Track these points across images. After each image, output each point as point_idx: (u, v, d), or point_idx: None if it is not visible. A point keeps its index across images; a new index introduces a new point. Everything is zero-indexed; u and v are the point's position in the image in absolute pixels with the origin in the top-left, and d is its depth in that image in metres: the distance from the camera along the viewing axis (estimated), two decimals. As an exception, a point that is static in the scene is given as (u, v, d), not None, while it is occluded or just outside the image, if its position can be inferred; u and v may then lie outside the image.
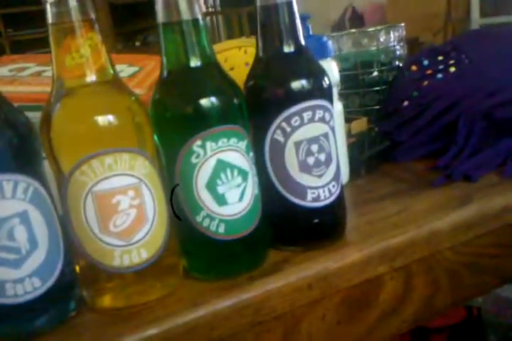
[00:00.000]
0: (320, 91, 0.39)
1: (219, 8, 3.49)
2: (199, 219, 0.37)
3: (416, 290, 0.46)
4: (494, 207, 0.48)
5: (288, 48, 0.38)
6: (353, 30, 0.76)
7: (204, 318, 0.36)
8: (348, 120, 0.69)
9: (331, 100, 0.41)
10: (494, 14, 2.23)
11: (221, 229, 0.37)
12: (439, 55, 0.73)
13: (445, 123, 0.62)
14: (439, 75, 0.68)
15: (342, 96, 0.76)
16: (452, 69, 0.68)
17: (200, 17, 0.35)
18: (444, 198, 0.50)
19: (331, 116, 0.41)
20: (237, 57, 0.57)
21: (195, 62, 0.36)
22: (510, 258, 0.52)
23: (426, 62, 0.72)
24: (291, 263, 0.40)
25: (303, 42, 0.39)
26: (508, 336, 0.96)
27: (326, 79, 0.40)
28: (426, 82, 0.68)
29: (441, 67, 0.69)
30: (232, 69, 0.56)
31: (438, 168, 0.56)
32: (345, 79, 0.75)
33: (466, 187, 0.51)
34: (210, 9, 3.41)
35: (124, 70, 0.51)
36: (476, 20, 2.31)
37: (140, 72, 0.50)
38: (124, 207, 0.34)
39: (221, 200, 0.37)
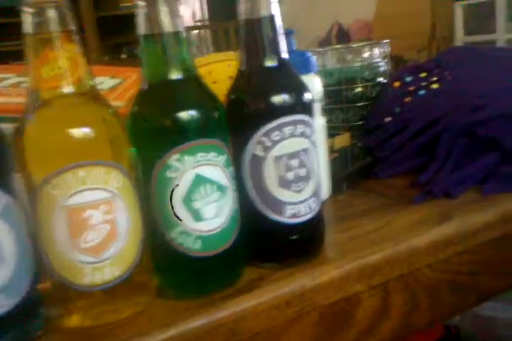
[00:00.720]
0: (301, 106, 0.39)
1: (207, 22, 3.51)
2: (174, 234, 0.36)
3: (394, 307, 0.45)
4: (474, 225, 0.48)
5: (270, 62, 0.38)
6: (338, 46, 0.76)
7: (175, 339, 0.35)
8: (331, 135, 0.69)
9: (312, 115, 0.41)
10: (478, 33, 2.28)
11: (197, 246, 0.36)
12: (422, 72, 0.73)
13: (427, 140, 0.62)
14: (422, 92, 0.69)
15: (325, 111, 0.76)
16: (435, 85, 0.69)
17: (181, 30, 0.35)
18: (424, 215, 0.49)
19: (312, 131, 0.40)
20: (221, 70, 0.57)
21: (175, 75, 0.35)
22: (488, 276, 0.52)
23: (409, 79, 0.73)
24: (267, 281, 0.40)
25: (285, 57, 0.39)
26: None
27: (307, 93, 0.40)
28: (408, 99, 0.69)
29: (423, 83, 0.70)
30: (215, 82, 0.56)
31: (419, 184, 0.56)
32: (329, 94, 0.75)
33: (446, 204, 0.51)
34: (198, 23, 3.43)
35: (106, 82, 0.50)
36: (460, 39, 2.35)
37: (122, 84, 0.50)
38: (96, 221, 0.33)
39: (198, 216, 0.36)
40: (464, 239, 0.48)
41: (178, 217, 0.36)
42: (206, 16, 3.49)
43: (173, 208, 0.35)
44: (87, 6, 2.84)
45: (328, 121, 0.76)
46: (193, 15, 3.39)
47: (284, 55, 0.39)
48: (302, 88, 0.40)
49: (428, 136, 0.62)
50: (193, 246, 0.36)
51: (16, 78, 0.52)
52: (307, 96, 0.40)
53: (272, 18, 0.38)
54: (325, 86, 0.75)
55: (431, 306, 0.48)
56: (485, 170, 0.56)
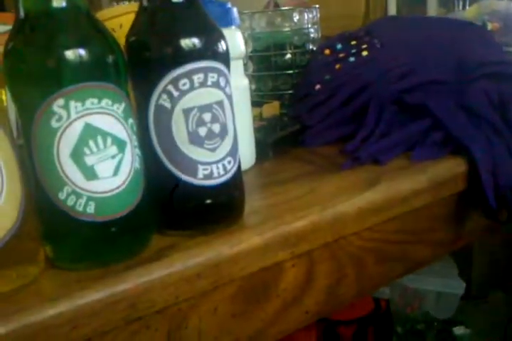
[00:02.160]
0: (213, 51, 0.34)
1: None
2: (62, 196, 0.31)
3: (319, 278, 0.42)
4: (401, 191, 0.46)
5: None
6: (267, 10, 0.72)
7: (65, 315, 0.30)
8: (260, 104, 0.66)
9: (227, 65, 0.36)
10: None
11: (90, 209, 0.31)
12: (352, 40, 0.71)
13: (355, 107, 0.59)
14: (352, 59, 0.66)
15: (254, 78, 0.72)
16: (365, 53, 0.66)
17: None
18: (352, 181, 0.47)
19: (227, 82, 0.36)
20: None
21: (58, 3, 0.29)
22: (415, 245, 0.50)
23: (339, 46, 0.70)
24: (177, 249, 0.35)
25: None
26: (415, 328, 0.97)
27: (221, 39, 0.35)
28: (338, 66, 0.66)
29: (353, 51, 0.67)
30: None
31: (347, 152, 0.53)
32: (257, 60, 0.71)
33: (374, 170, 0.49)
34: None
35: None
36: (393, 22, 2.37)
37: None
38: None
39: (90, 174, 0.31)
40: (392, 206, 0.46)
41: (66, 175, 0.30)
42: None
43: (59, 164, 0.30)
44: None
45: (257, 89, 0.73)
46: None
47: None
48: (215, 30, 0.35)
49: (357, 103, 0.60)
50: (85, 210, 0.31)
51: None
52: (222, 42, 0.35)
53: None
54: (253, 51, 0.71)
55: (357, 277, 0.46)
56: (414, 137, 0.55)
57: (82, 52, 0.29)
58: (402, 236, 0.49)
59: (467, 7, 1.00)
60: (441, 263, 0.88)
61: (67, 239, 0.33)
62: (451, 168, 0.50)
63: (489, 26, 0.87)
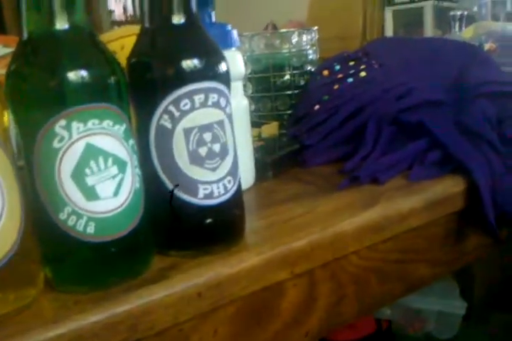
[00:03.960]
0: (214, 72, 0.35)
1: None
2: (63, 216, 0.31)
3: (320, 298, 0.42)
4: (399, 210, 0.46)
5: (178, 19, 0.34)
6: (265, 32, 0.73)
7: (65, 337, 0.29)
8: (259, 124, 0.66)
9: (228, 85, 0.36)
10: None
11: (90, 229, 0.31)
12: (350, 61, 0.72)
13: (354, 127, 0.60)
14: (350, 79, 0.67)
15: (253, 99, 0.73)
16: (363, 74, 0.67)
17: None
18: (350, 200, 0.47)
19: (228, 102, 0.36)
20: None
21: (61, 25, 0.30)
22: (415, 265, 0.50)
23: (337, 67, 0.71)
24: (178, 270, 0.35)
25: (196, 15, 0.35)
26: (418, 348, 0.96)
27: (222, 60, 0.36)
28: (336, 86, 0.67)
29: (352, 71, 0.68)
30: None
31: (345, 171, 0.53)
32: (256, 81, 0.72)
33: (372, 190, 0.49)
34: (129, 18, 3.29)
35: (-4, 50, 0.44)
36: (389, 43, 2.40)
37: (13, 53, 0.44)
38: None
39: (91, 194, 0.31)
40: (390, 224, 0.46)
41: (67, 195, 0.30)
42: (137, 12, 3.39)
43: (60, 184, 0.30)
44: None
45: (256, 110, 0.73)
46: (124, 10, 3.28)
47: (195, 12, 0.34)
48: (215, 51, 0.35)
49: (355, 123, 0.60)
50: (85, 230, 0.31)
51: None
52: (222, 62, 0.36)
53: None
54: (252, 72, 0.72)
55: (358, 296, 0.45)
56: (412, 156, 0.55)
57: (84, 73, 0.30)
58: (402, 256, 0.49)
59: (463, 28, 1.01)
60: (443, 283, 0.87)
61: (67, 260, 0.32)
62: (449, 187, 0.50)
63: (486, 47, 0.88)
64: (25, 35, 0.30)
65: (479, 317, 1.01)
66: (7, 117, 0.31)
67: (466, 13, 1.01)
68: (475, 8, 1.17)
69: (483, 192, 0.48)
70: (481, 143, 0.54)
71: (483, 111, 0.57)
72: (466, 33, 0.92)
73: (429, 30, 2.32)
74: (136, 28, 0.54)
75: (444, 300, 0.88)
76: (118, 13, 3.25)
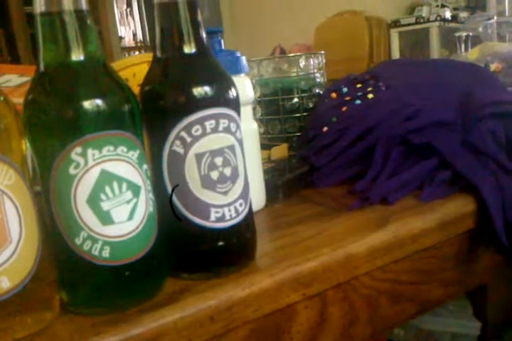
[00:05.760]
0: (224, 98, 0.36)
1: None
2: (78, 241, 0.31)
3: (332, 319, 0.42)
4: (411, 231, 0.46)
5: (189, 49, 0.35)
6: (274, 56, 0.75)
7: (80, 360, 0.30)
8: (269, 146, 0.67)
9: (238, 111, 0.38)
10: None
11: (105, 253, 0.32)
12: (357, 83, 0.73)
13: (363, 148, 0.61)
14: (358, 101, 0.68)
15: (262, 122, 0.74)
16: (370, 95, 0.68)
17: (84, 8, 0.31)
18: (361, 221, 0.47)
19: (238, 127, 0.37)
20: (146, 72, 0.53)
21: (76, 57, 0.31)
22: (427, 285, 0.50)
23: (345, 90, 0.72)
24: (190, 293, 0.35)
25: (206, 44, 0.36)
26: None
27: (231, 86, 0.37)
28: (345, 108, 0.68)
29: (359, 93, 0.69)
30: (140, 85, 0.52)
31: (355, 192, 0.54)
32: (265, 105, 0.74)
33: (383, 210, 0.49)
34: (138, 44, 3.37)
35: (13, 80, 0.45)
36: (397, 64, 2.43)
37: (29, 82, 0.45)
38: (-21, 224, 0.28)
39: (106, 219, 0.31)
40: (402, 245, 0.46)
41: (82, 220, 0.31)
42: (147, 37, 3.46)
43: (76, 210, 0.31)
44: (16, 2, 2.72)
45: (266, 133, 0.74)
46: (134, 36, 3.35)
47: (205, 41, 0.36)
48: (225, 79, 0.37)
49: (364, 144, 0.61)
50: (100, 254, 0.32)
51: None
52: (232, 88, 0.37)
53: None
54: (261, 96, 0.73)
55: (371, 317, 0.45)
56: (422, 176, 0.55)
57: (99, 102, 0.31)
58: (414, 276, 0.49)
59: (469, 49, 1.02)
60: (456, 303, 0.86)
61: (82, 284, 0.33)
62: (459, 206, 0.50)
63: (492, 67, 0.89)
64: (41, 67, 0.31)
65: (493, 336, 0.99)
66: (24, 145, 0.32)
67: (471, 34, 1.03)
68: (480, 29, 1.18)
69: (492, 211, 0.49)
70: (489, 162, 0.54)
71: (492, 131, 0.58)
72: (471, 54, 0.93)
73: (436, 50, 2.35)
74: (145, 56, 0.56)
75: (458, 321, 0.87)
76: (128, 40, 3.32)
